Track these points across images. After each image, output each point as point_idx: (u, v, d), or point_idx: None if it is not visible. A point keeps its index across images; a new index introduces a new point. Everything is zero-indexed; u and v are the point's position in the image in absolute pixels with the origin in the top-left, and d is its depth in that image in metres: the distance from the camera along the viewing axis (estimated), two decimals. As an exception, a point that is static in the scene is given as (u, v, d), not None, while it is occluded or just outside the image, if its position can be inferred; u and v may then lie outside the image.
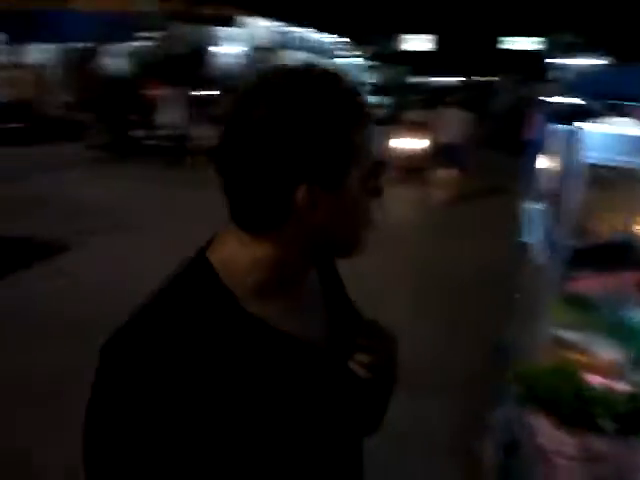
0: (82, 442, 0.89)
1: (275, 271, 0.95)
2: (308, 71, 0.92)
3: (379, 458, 2.08)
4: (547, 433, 1.73)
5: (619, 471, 1.56)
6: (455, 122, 9.67)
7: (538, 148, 3.35)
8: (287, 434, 0.95)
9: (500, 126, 17.59)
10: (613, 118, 2.27)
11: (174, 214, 8.41)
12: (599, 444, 1.64)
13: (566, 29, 21.22)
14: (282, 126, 0.87)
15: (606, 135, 1.99)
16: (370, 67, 29.61)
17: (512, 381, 1.75)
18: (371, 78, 28.03)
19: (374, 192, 0.96)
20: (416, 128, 11.88)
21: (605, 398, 1.64)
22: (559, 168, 2.22)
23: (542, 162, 3.30)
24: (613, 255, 2.35)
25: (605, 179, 2.63)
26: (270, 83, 0.90)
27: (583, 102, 2.01)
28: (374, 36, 33.23)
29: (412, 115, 12.92)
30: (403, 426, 3.07)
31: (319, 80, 0.90)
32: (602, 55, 18.08)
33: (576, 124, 1.96)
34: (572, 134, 1.87)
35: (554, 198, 2.30)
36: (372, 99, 20.86)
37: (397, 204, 9.82)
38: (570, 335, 2.21)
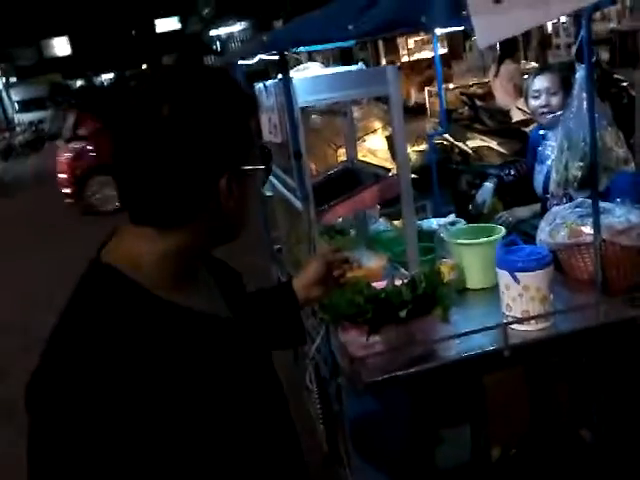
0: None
1: (185, 259, 1.00)
2: (199, 68, 0.98)
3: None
4: (356, 342, 1.97)
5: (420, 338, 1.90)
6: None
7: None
8: (231, 400, 1.00)
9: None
10: (305, 64, 2.54)
11: None
12: (400, 331, 1.92)
13: (202, 2, 21.95)
14: (195, 122, 0.91)
15: (307, 79, 2.24)
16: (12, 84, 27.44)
17: (320, 311, 1.94)
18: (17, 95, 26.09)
19: (266, 175, 1.09)
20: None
21: (392, 294, 1.91)
22: (275, 120, 2.41)
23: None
24: (345, 181, 2.66)
25: (316, 118, 2.94)
26: (167, 81, 0.94)
27: (277, 57, 2.18)
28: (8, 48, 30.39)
29: None
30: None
31: (212, 75, 0.97)
32: (239, 19, 19.22)
33: (281, 75, 2.15)
34: (283, 85, 2.05)
35: (279, 148, 2.50)
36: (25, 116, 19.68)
37: None
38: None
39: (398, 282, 2.04)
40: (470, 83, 8.98)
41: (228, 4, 18.41)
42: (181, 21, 24.53)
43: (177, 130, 0.90)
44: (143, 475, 0.87)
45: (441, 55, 9.59)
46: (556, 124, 2.66)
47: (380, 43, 10.63)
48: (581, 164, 2.21)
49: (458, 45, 12.23)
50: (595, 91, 2.18)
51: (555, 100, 2.81)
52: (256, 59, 2.50)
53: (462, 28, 3.76)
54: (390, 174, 2.51)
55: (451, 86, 8.92)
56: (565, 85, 2.79)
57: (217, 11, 19.86)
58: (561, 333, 2.09)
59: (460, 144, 5.59)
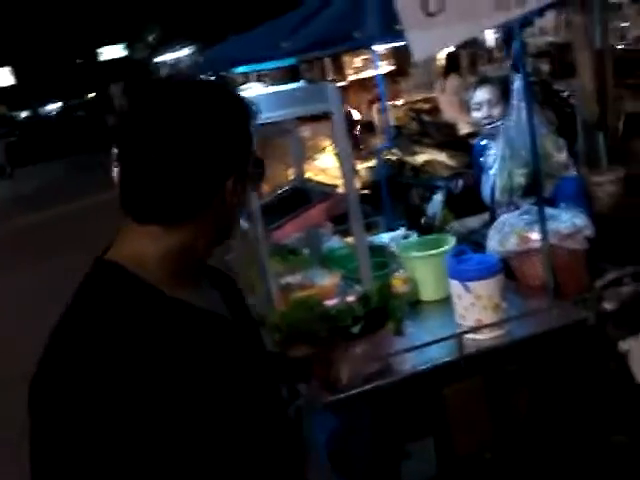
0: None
1: (188, 257, 1.03)
2: (205, 79, 1.09)
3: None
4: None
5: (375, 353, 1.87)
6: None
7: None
8: (231, 396, 1.02)
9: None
10: (248, 84, 2.53)
11: None
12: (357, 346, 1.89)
13: (148, 29, 21.90)
14: (207, 127, 0.98)
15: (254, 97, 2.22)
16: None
17: (274, 332, 1.90)
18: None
19: (257, 180, 1.14)
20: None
21: (345, 311, 1.89)
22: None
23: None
24: (294, 200, 2.65)
25: (262, 137, 2.90)
26: (178, 90, 1.00)
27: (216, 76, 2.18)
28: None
29: None
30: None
31: (217, 84, 1.08)
32: (186, 44, 19.12)
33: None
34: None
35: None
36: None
37: None
38: (291, 278, 2.45)
39: (350, 298, 2.02)
40: (417, 99, 9.10)
41: (174, 29, 18.38)
42: (126, 48, 24.40)
43: (191, 134, 0.96)
44: (143, 472, 0.88)
45: (389, 72, 9.69)
46: (497, 134, 2.71)
47: (327, 62, 10.74)
48: (524, 171, 2.24)
49: (404, 62, 12.41)
50: (536, 101, 2.23)
51: (496, 111, 2.86)
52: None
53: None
54: (338, 191, 2.51)
55: (399, 102, 9.01)
56: (505, 96, 2.84)
57: (163, 37, 19.82)
58: (516, 340, 2.10)
59: (410, 159, 5.65)
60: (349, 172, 2.36)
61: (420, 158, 5.74)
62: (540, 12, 1.79)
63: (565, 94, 7.30)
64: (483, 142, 3.01)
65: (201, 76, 1.11)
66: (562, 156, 2.29)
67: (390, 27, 1.82)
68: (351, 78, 11.94)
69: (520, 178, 2.27)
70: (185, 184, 0.97)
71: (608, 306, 2.52)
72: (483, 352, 2.06)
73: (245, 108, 1.05)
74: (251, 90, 2.47)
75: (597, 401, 2.26)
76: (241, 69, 2.44)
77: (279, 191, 2.96)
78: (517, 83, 2.24)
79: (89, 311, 0.94)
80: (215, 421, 0.97)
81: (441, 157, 5.76)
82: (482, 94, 2.89)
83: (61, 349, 0.91)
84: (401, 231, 2.98)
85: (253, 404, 1.07)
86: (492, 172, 2.62)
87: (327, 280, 2.47)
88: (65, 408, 0.86)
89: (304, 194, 2.77)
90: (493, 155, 2.58)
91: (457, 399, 2.19)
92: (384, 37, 2.18)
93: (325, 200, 2.42)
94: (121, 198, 1.00)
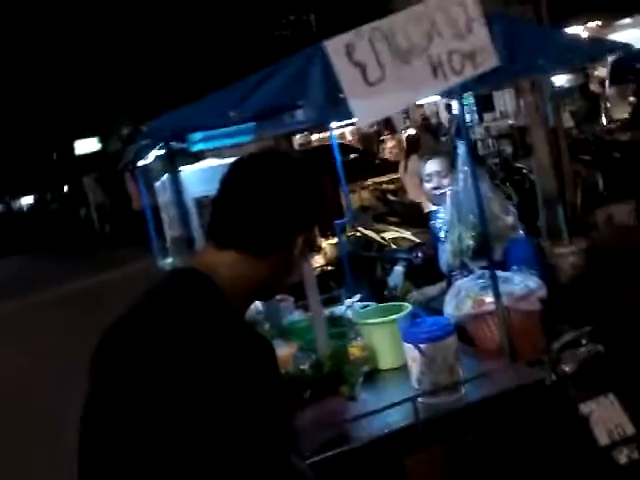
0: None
1: (251, 287, 1.23)
2: (297, 159, 1.34)
3: None
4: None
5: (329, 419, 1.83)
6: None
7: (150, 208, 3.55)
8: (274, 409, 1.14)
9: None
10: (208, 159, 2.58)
11: None
12: (307, 414, 1.85)
13: (121, 122, 22.38)
14: (294, 194, 1.25)
15: (197, 171, 2.26)
16: None
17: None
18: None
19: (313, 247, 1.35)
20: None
21: (296, 376, 1.86)
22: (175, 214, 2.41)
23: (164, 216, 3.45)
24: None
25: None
26: (271, 163, 1.29)
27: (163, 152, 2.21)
28: None
29: None
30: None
31: (304, 163, 1.32)
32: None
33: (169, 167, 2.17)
34: (171, 177, 2.07)
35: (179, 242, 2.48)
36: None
37: None
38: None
39: (304, 366, 1.99)
40: (383, 180, 9.37)
41: (147, 121, 18.80)
42: (100, 141, 24.80)
43: (279, 195, 1.24)
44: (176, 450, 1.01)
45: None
46: (445, 199, 2.77)
47: (295, 144, 11.19)
48: (472, 234, 2.28)
49: (371, 145, 12.89)
50: (498, 179, 2.29)
51: (446, 181, 2.93)
52: (152, 157, 2.51)
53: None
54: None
55: (366, 183, 9.25)
56: (454, 167, 2.93)
57: (137, 129, 20.26)
58: (472, 402, 2.07)
59: (375, 235, 5.74)
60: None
61: (387, 235, 5.83)
62: (480, 79, 1.85)
63: (525, 171, 7.58)
64: (433, 207, 3.07)
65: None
66: (509, 218, 2.34)
67: (334, 97, 1.89)
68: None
69: (469, 240, 2.30)
70: (267, 225, 1.23)
71: (567, 368, 2.51)
72: (439, 415, 2.01)
73: (324, 185, 1.31)
74: (204, 162, 2.50)
75: (559, 465, 2.21)
76: (199, 147, 2.48)
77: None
78: (461, 148, 2.32)
79: (161, 298, 1.13)
80: (240, 418, 1.06)
81: (407, 234, 5.86)
82: (432, 166, 2.96)
83: (131, 326, 1.10)
84: (356, 297, 2.98)
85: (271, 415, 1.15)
86: (442, 236, 2.66)
87: (284, 350, 2.43)
88: (124, 375, 1.04)
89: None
90: (442, 220, 2.63)
91: (419, 469, 2.12)
92: (328, 107, 2.25)
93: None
94: (210, 228, 1.27)
